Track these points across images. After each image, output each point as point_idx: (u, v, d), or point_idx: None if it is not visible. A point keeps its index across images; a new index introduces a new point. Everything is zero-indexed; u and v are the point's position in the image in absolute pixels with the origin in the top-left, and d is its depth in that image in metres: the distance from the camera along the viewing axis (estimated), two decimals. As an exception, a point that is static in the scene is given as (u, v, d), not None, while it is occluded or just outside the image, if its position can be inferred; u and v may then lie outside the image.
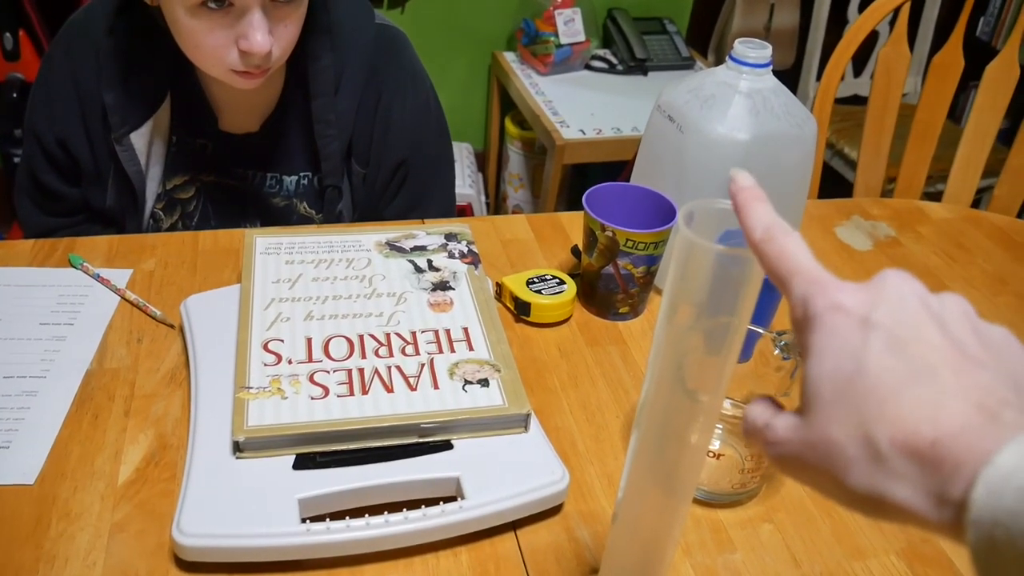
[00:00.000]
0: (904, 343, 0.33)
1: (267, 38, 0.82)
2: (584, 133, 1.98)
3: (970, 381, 0.32)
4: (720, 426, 0.66)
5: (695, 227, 0.43)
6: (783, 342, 0.66)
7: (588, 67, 2.28)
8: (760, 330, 0.67)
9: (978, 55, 1.26)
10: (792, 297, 0.36)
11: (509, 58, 2.32)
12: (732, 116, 0.78)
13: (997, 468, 0.28)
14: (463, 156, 2.38)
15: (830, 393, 0.33)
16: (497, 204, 2.51)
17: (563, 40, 2.20)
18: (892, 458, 0.31)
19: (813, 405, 0.34)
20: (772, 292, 0.75)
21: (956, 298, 0.35)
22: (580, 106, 2.10)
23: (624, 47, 2.27)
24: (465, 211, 2.26)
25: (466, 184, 2.27)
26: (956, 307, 0.35)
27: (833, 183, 1.97)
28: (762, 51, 0.78)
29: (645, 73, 2.27)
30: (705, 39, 2.49)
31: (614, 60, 2.29)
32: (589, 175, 2.29)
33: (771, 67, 0.79)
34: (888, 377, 0.32)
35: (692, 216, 0.43)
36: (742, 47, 0.78)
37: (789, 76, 2.36)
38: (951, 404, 0.31)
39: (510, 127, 2.33)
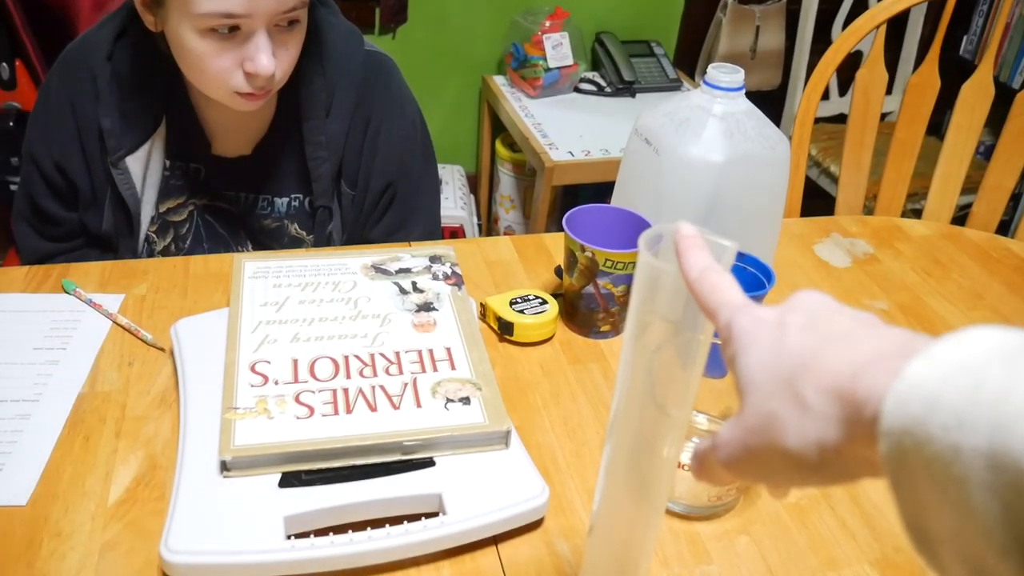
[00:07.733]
0: (816, 323, 0.36)
1: (272, 60, 0.85)
2: (573, 155, 2.01)
3: (884, 334, 0.34)
4: (697, 440, 0.68)
5: (663, 248, 0.45)
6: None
7: (577, 90, 2.31)
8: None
9: (962, 74, 1.29)
10: (720, 324, 0.40)
11: (499, 82, 2.35)
12: (706, 139, 0.80)
13: (904, 380, 0.29)
14: (455, 178, 2.41)
15: (758, 377, 0.36)
16: (489, 226, 2.54)
17: (551, 64, 2.23)
18: (818, 404, 0.33)
19: (746, 395, 0.37)
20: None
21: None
22: (569, 128, 2.12)
23: (612, 70, 2.31)
24: (457, 233, 2.28)
25: (458, 206, 2.29)
26: (857, 311, 0.38)
27: (820, 201, 1.99)
28: (735, 75, 0.81)
29: (633, 95, 2.30)
30: (692, 61, 2.53)
31: (602, 83, 2.32)
32: (580, 196, 2.32)
33: (744, 90, 0.82)
34: (808, 346, 0.35)
35: (659, 238, 0.45)
36: (715, 71, 0.81)
37: (775, 97, 2.40)
38: (867, 346, 0.33)
39: (501, 149, 2.36)
